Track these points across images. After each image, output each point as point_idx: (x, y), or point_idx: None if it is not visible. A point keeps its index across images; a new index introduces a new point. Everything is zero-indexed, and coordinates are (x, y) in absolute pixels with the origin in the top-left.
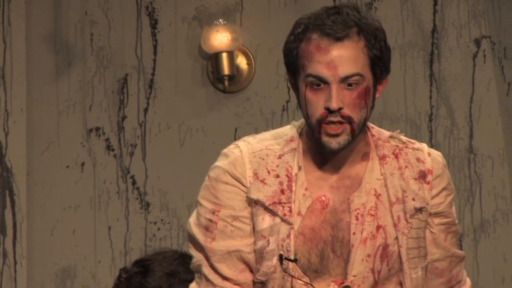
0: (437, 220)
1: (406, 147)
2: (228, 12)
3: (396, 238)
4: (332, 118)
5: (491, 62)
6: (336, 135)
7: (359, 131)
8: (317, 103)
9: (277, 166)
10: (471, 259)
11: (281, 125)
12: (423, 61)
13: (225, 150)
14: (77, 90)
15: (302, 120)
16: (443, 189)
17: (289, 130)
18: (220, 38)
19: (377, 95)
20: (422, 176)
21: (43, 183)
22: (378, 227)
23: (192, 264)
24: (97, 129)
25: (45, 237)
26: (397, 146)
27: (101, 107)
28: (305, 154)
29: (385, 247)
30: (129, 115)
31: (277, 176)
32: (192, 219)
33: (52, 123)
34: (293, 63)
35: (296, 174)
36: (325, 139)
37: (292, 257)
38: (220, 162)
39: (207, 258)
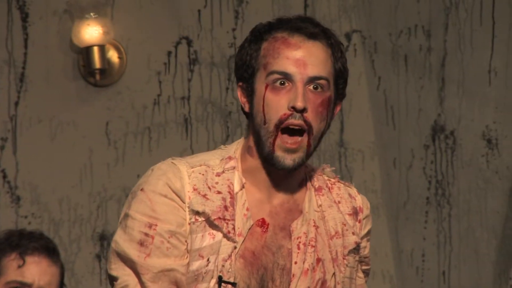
0: (362, 266)
1: (338, 181)
2: (99, 6)
3: (334, 274)
4: (294, 120)
5: (361, 56)
6: (292, 151)
7: (313, 149)
8: (279, 104)
9: (217, 183)
10: None
11: (152, 119)
12: None
13: (158, 165)
14: None
15: (234, 144)
16: (369, 232)
17: (222, 151)
18: (91, 31)
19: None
20: (355, 212)
21: None
22: (318, 260)
23: (116, 287)
24: None
25: None
26: (329, 179)
27: None
28: (244, 174)
29: (324, 282)
30: None
31: (219, 192)
32: (119, 236)
33: None
34: (251, 65)
35: (237, 193)
36: (279, 153)
37: (232, 280)
38: (156, 176)
39: (139, 276)
